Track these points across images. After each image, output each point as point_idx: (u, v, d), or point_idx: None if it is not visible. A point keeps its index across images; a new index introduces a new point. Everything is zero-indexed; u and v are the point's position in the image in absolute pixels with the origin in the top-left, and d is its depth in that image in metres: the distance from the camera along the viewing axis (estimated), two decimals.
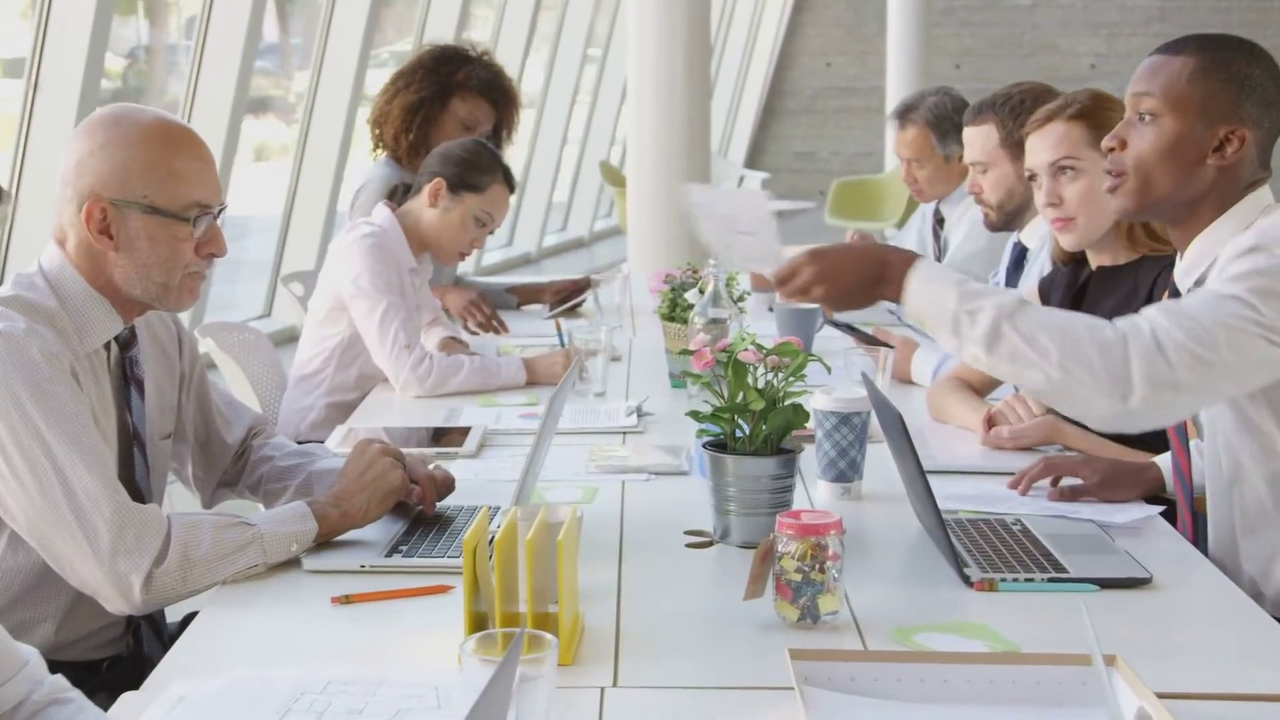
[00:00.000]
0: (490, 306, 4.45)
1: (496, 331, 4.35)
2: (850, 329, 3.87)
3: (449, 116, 4.54)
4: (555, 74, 12.68)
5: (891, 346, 3.63)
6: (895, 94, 15.25)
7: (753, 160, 18.02)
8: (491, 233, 3.91)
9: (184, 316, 7.94)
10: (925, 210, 4.88)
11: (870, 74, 17.66)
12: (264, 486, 2.74)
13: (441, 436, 3.16)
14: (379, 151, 4.63)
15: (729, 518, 2.46)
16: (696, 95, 8.17)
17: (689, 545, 2.47)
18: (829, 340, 3.97)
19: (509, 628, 1.98)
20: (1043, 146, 3.14)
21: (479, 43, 4.81)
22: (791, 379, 2.45)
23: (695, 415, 2.48)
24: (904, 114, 4.73)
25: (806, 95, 18.26)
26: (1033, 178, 3.16)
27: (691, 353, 2.49)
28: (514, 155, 12.04)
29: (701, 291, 3.43)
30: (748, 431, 2.45)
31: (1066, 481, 2.72)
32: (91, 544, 2.21)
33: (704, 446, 2.49)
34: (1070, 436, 2.98)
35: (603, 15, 13.53)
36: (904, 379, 3.65)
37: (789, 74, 18.27)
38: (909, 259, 2.27)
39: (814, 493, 2.77)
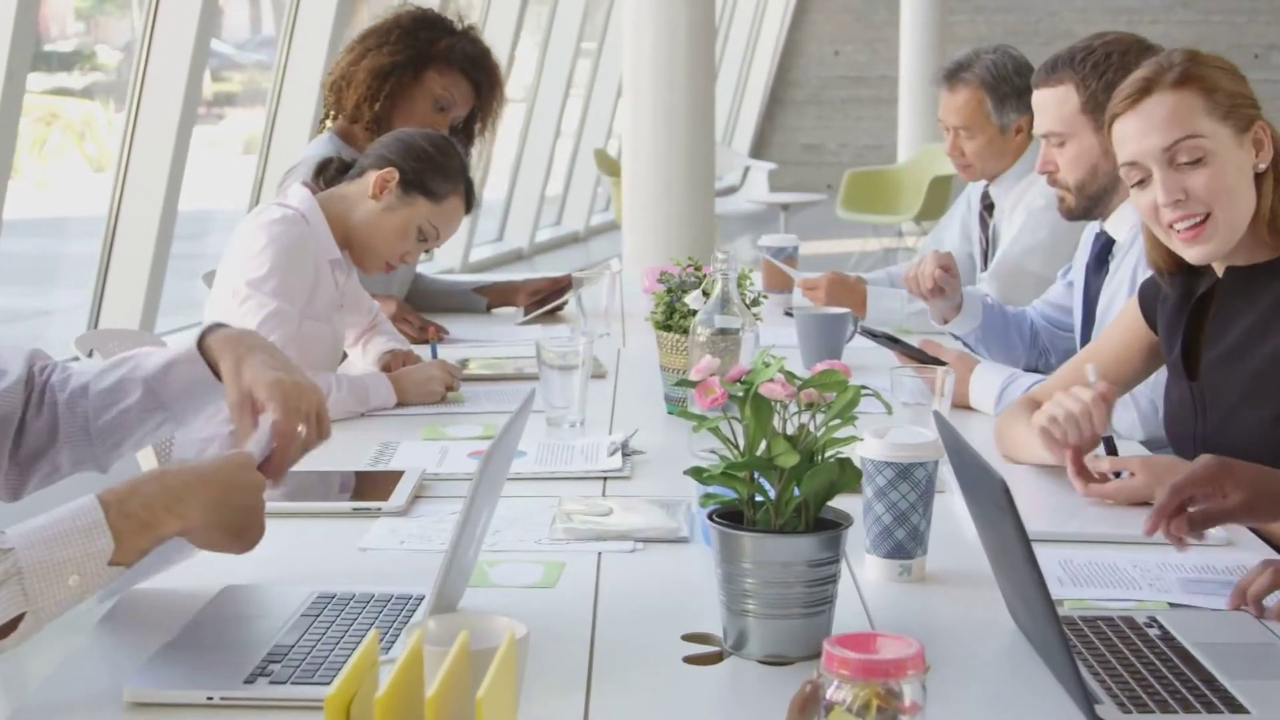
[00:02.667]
0: (417, 316, 3.70)
1: (439, 338, 3.56)
2: (891, 340, 3.12)
3: (421, 90, 3.78)
4: (548, 62, 11.96)
5: (944, 363, 2.89)
6: (907, 84, 14.56)
7: (758, 152, 17.26)
8: (429, 250, 3.16)
9: (117, 316, 7.22)
10: (970, 195, 4.11)
11: (881, 63, 16.91)
12: (95, 433, 1.96)
13: (364, 484, 2.42)
14: (328, 124, 3.87)
15: (745, 619, 1.72)
16: (698, 75, 7.43)
17: (689, 659, 1.73)
18: (862, 354, 3.23)
19: None
20: (1148, 128, 2.28)
21: (466, 17, 4.03)
22: (838, 422, 1.71)
23: (697, 474, 1.74)
24: (955, 73, 3.95)
25: (814, 85, 17.48)
26: (1142, 181, 2.30)
27: (693, 384, 1.74)
28: (503, 147, 11.41)
29: (706, 294, 2.68)
30: (774, 497, 1.71)
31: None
32: None
33: (710, 518, 1.74)
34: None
35: (598, 6, 12.82)
36: (960, 404, 2.90)
37: (796, 62, 17.50)
38: None
39: (859, 571, 2.02)
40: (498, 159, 11.03)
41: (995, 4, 17.25)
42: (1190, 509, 1.98)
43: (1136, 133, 2.29)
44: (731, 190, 15.27)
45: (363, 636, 1.76)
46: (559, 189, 13.46)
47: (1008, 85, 3.84)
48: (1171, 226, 2.29)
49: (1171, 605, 1.91)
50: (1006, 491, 1.55)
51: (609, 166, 11.85)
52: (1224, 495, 1.98)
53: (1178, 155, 2.26)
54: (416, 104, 3.75)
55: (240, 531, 1.73)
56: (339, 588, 1.91)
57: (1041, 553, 1.98)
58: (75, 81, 11.79)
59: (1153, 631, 1.78)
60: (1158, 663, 1.69)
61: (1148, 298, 2.51)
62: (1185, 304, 2.40)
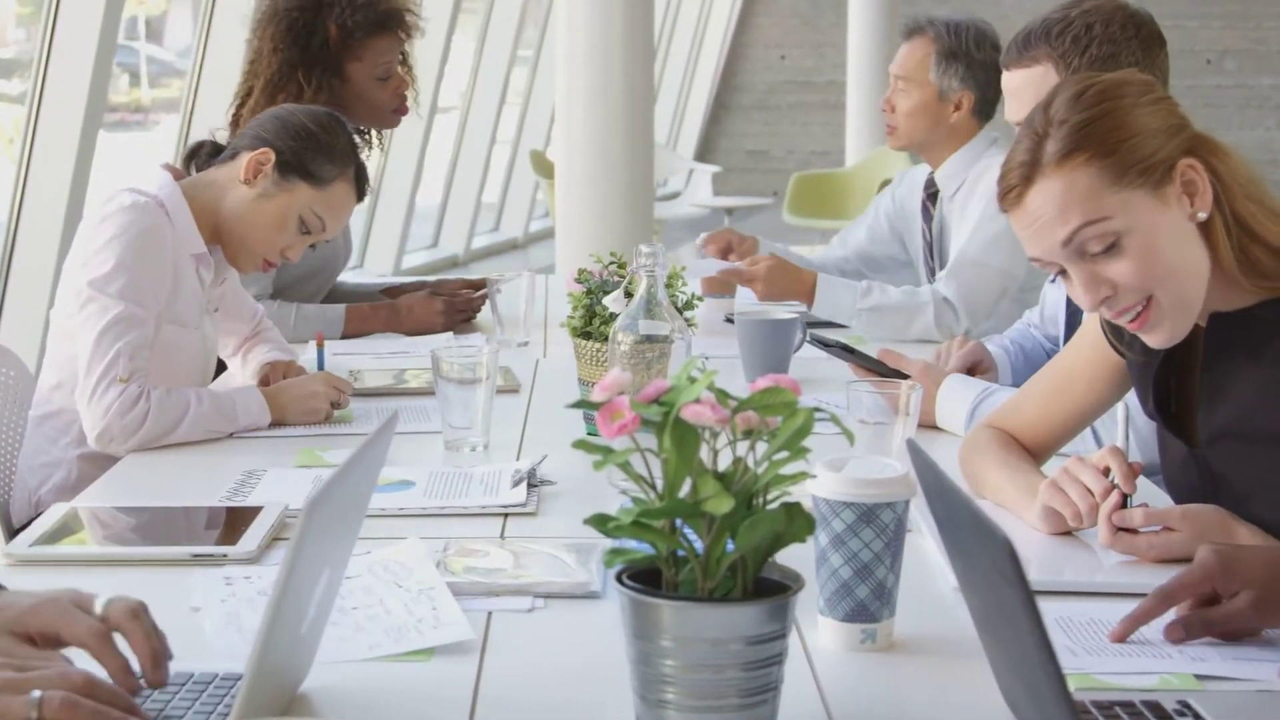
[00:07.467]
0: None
1: (322, 344, 3.06)
2: (846, 349, 2.73)
3: (354, 87, 3.33)
4: (483, 68, 11.57)
5: (907, 376, 2.51)
6: (855, 89, 14.23)
7: (703, 157, 16.87)
8: (315, 246, 2.74)
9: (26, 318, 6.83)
10: (913, 180, 3.70)
11: (828, 67, 16.55)
12: None
13: (213, 524, 2.01)
14: None
15: (664, 712, 1.33)
16: (636, 71, 7.04)
17: None
18: (811, 365, 2.86)
19: None
20: (1041, 224, 1.81)
21: None
22: (785, 454, 1.31)
23: (600, 524, 1.34)
24: (916, 23, 3.62)
25: (760, 90, 17.09)
26: (1063, 272, 1.86)
27: (595, 406, 1.34)
28: (437, 153, 10.99)
29: (629, 294, 2.28)
30: (702, 554, 1.31)
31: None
32: None
33: (620, 580, 1.35)
34: (1244, 539, 1.82)
35: (536, 11, 12.44)
36: (926, 423, 2.51)
37: (741, 67, 17.11)
38: None
39: (810, 638, 1.63)
40: (431, 164, 10.63)
41: (946, 7, 16.94)
42: (1183, 615, 1.60)
43: (1031, 233, 1.83)
44: (675, 195, 14.89)
45: None
46: (497, 195, 13.11)
47: (959, 49, 3.49)
48: (1116, 318, 1.86)
49: (1199, 678, 1.53)
50: (1012, 555, 1.16)
51: (545, 168, 11.45)
52: (1230, 594, 1.60)
53: (1086, 246, 1.80)
54: (357, 98, 3.34)
55: None
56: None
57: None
58: (13, 88, 11.62)
59: None
60: None
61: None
62: (1166, 356, 1.97)
